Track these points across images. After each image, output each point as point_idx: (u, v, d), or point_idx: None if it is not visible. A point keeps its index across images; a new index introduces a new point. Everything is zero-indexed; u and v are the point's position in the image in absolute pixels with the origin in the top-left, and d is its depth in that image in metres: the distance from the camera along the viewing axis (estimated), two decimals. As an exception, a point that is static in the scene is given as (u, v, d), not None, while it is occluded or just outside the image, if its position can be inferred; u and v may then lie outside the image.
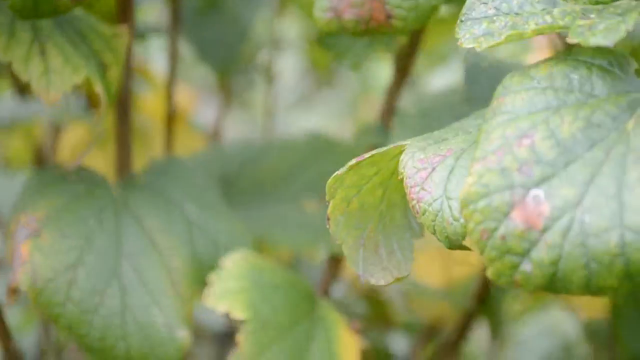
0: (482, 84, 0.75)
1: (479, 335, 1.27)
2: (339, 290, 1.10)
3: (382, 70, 1.30)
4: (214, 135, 1.14)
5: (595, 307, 1.11)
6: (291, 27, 1.23)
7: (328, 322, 0.77)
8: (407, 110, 0.77)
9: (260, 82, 1.32)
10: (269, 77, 1.25)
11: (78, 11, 0.71)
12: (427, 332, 1.13)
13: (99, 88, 0.69)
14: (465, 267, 1.02)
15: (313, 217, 0.87)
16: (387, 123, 0.79)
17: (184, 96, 1.37)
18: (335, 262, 0.83)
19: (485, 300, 0.97)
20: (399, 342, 1.69)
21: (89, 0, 0.62)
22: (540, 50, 0.96)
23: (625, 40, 0.49)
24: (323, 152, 0.93)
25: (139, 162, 1.09)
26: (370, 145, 0.79)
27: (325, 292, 0.84)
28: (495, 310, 0.99)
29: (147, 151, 1.10)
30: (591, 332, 1.07)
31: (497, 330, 1.02)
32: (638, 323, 0.98)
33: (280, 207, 0.88)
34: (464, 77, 0.75)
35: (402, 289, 0.88)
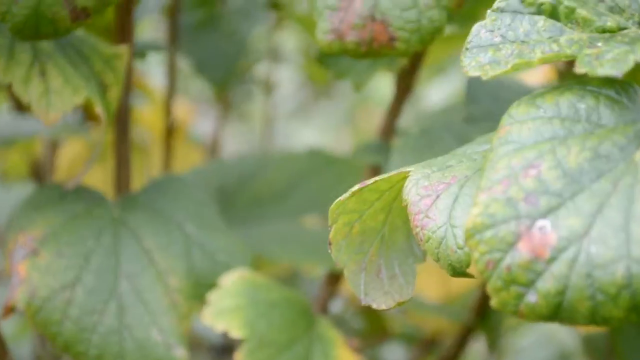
0: (483, 102, 0.75)
1: (478, 346, 1.26)
2: (337, 305, 1.10)
3: (380, 81, 1.29)
4: (213, 148, 1.14)
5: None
6: (288, 39, 1.23)
7: (326, 340, 0.77)
8: (407, 129, 0.77)
9: (259, 94, 1.32)
10: (267, 89, 1.25)
11: (79, 32, 0.71)
12: (425, 345, 1.13)
13: (99, 108, 0.69)
14: (464, 281, 1.02)
15: (312, 233, 0.87)
16: (387, 140, 0.79)
17: (182, 109, 1.37)
18: (334, 278, 0.83)
19: (484, 315, 0.97)
20: (397, 355, 1.69)
21: (89, 20, 0.61)
22: (540, 68, 0.96)
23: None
24: (322, 167, 0.92)
25: (138, 175, 1.09)
26: (371, 164, 0.79)
27: (324, 309, 0.83)
28: (494, 325, 0.99)
29: (146, 165, 1.10)
30: (590, 345, 1.07)
31: (494, 344, 1.01)
32: (636, 338, 0.98)
33: (278, 223, 0.88)
34: (465, 96, 0.75)
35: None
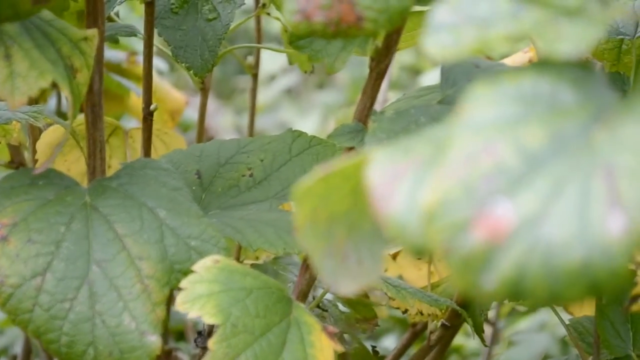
0: (459, 83, 0.74)
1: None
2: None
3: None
4: (198, 136, 1.13)
5: (585, 305, 1.10)
6: (275, 23, 1.21)
7: (303, 326, 0.76)
8: (383, 111, 0.76)
9: (247, 80, 1.31)
10: (252, 74, 1.24)
11: (47, 15, 0.70)
12: (413, 332, 1.12)
13: (66, 92, 0.68)
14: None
15: (290, 219, 0.86)
16: (363, 124, 0.78)
17: (175, 98, 1.36)
18: (312, 264, 0.82)
19: (468, 301, 0.96)
20: (387, 342, 1.69)
21: (51, 3, 0.60)
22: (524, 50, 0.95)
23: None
24: (302, 150, 0.91)
25: (121, 161, 1.08)
26: (347, 147, 0.78)
27: (303, 296, 0.82)
28: (477, 311, 0.98)
29: (132, 152, 1.09)
30: (578, 329, 1.06)
31: (478, 330, 1.00)
32: (620, 322, 0.97)
33: (255, 208, 0.87)
34: (440, 77, 0.74)
35: (385, 290, 0.87)
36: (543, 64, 0.47)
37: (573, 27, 0.45)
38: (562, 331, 1.55)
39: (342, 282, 0.55)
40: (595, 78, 0.47)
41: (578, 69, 0.46)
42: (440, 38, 0.47)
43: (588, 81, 0.46)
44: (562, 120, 0.44)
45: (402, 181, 0.47)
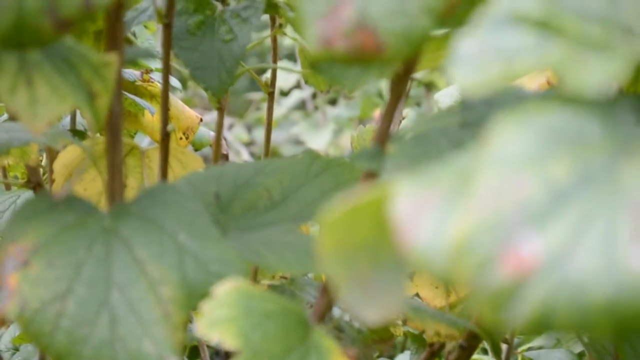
0: (477, 107, 0.74)
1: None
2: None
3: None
4: (214, 155, 1.13)
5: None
6: (289, 41, 1.21)
7: (322, 350, 0.76)
8: (403, 135, 0.76)
9: (258, 95, 1.31)
10: (269, 92, 1.24)
11: (67, 40, 0.70)
12: (431, 351, 1.12)
13: (88, 117, 0.68)
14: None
15: (308, 241, 0.86)
16: (383, 146, 0.78)
17: (188, 117, 1.36)
18: (331, 287, 0.82)
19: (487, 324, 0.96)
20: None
21: (74, 30, 0.60)
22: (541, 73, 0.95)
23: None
24: (320, 172, 0.91)
25: (138, 182, 1.08)
26: (367, 170, 0.77)
27: (321, 319, 0.82)
28: (496, 330, 0.98)
29: (148, 171, 1.09)
30: (597, 350, 1.06)
31: (496, 351, 1.00)
32: (639, 343, 0.97)
33: (274, 231, 0.86)
34: (460, 101, 0.74)
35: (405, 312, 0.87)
36: (569, 96, 0.47)
37: (598, 61, 0.45)
38: (578, 347, 1.55)
39: (367, 310, 0.55)
40: (621, 107, 0.47)
41: (606, 101, 0.46)
42: (466, 70, 0.47)
43: (614, 112, 0.46)
44: (588, 154, 0.43)
45: (427, 214, 0.47)
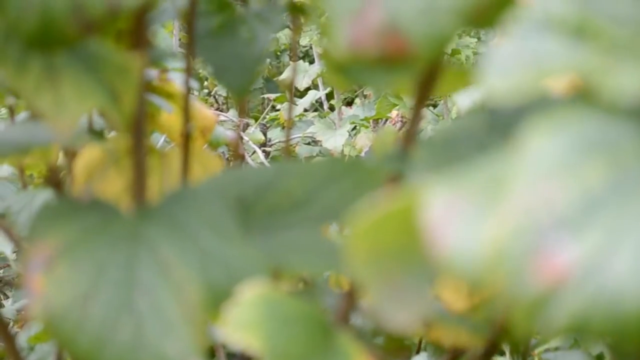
0: (504, 111, 0.73)
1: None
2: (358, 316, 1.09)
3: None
4: (234, 155, 1.13)
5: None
6: (310, 41, 1.21)
7: (345, 353, 0.75)
8: (428, 138, 0.75)
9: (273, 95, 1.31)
10: (289, 91, 1.24)
11: (91, 40, 0.70)
12: (450, 355, 1.11)
13: (112, 117, 0.68)
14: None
15: (331, 243, 0.85)
16: (408, 148, 0.78)
17: (205, 116, 1.35)
18: (354, 290, 0.82)
19: (508, 326, 0.95)
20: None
21: (99, 31, 0.60)
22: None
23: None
24: (341, 175, 0.91)
25: (158, 181, 1.08)
26: (391, 173, 0.77)
27: (345, 321, 0.82)
28: (520, 337, 0.97)
29: (167, 171, 1.08)
30: (618, 352, 1.05)
31: (516, 352, 1.00)
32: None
33: (297, 233, 0.86)
34: (486, 104, 0.74)
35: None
36: (602, 101, 0.46)
37: (634, 68, 0.44)
38: (597, 348, 1.54)
39: (394, 315, 0.55)
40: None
41: (638, 107, 0.45)
42: (499, 75, 0.47)
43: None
44: (624, 162, 0.43)
45: (460, 220, 0.47)
